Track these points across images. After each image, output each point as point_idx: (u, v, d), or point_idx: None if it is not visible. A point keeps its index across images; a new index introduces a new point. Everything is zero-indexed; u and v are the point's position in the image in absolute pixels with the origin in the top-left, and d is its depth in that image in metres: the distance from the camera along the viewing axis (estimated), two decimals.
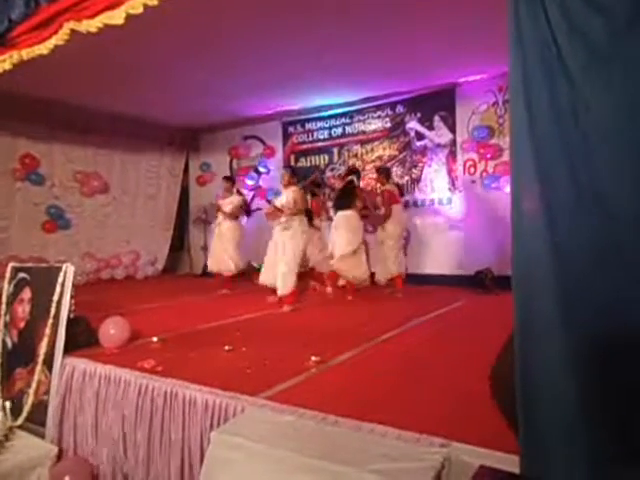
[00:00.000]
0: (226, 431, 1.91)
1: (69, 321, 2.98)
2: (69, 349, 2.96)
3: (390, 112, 7.01)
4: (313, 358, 2.76)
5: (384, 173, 6.12)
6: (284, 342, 3.37)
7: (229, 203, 6.35)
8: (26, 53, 2.80)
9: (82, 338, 3.11)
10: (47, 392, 2.90)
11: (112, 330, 3.17)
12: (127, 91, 6.29)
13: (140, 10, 2.30)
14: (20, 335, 3.21)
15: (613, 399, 1.22)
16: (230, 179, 6.86)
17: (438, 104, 6.56)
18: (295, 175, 5.38)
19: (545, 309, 1.29)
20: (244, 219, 7.01)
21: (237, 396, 2.19)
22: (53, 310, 2.98)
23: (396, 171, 6.93)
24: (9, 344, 3.26)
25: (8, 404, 3.03)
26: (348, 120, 7.41)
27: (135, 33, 3.42)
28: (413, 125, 6.84)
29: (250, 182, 8.33)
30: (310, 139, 7.83)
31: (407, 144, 6.91)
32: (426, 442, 1.69)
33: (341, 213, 5.50)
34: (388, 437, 1.76)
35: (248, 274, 7.76)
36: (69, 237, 7.45)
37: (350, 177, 5.75)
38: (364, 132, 7.28)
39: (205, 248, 8.38)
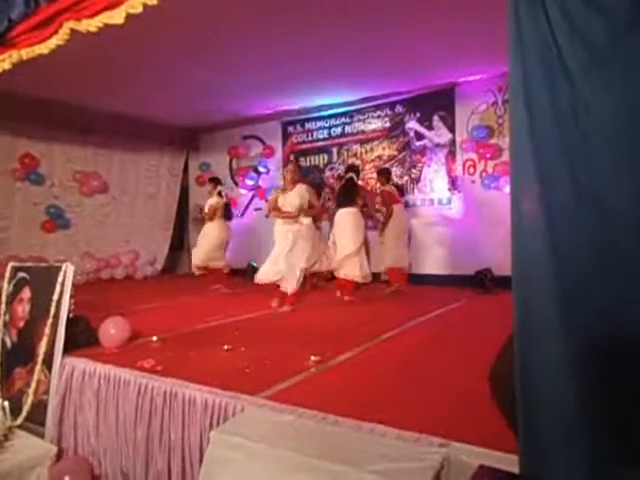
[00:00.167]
0: (225, 431, 1.91)
1: (69, 321, 2.98)
2: (69, 349, 2.96)
3: (389, 112, 7.02)
4: (313, 358, 2.76)
5: (384, 174, 6.14)
6: (284, 342, 3.37)
7: (208, 205, 6.46)
8: (26, 53, 2.79)
9: (82, 338, 3.11)
10: (46, 392, 2.90)
11: (112, 330, 3.17)
12: (127, 91, 6.29)
13: (140, 10, 2.29)
14: (19, 335, 3.21)
15: (613, 400, 1.22)
16: (213, 180, 6.81)
17: (437, 104, 6.57)
18: (300, 169, 5.09)
19: (545, 310, 1.29)
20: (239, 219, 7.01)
21: (237, 395, 2.19)
22: (53, 310, 2.97)
23: (395, 171, 6.93)
24: (8, 343, 3.26)
25: (7, 404, 3.03)
26: (348, 120, 7.41)
27: (135, 33, 3.42)
28: (412, 125, 6.84)
29: (250, 182, 8.33)
30: (310, 139, 7.83)
31: (406, 144, 6.91)
32: (425, 442, 1.69)
33: (344, 210, 5.47)
34: (387, 437, 1.76)
35: (248, 274, 7.79)
36: (69, 237, 7.46)
37: (349, 174, 5.75)
38: (364, 132, 7.28)
39: None
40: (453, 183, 6.54)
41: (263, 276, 4.86)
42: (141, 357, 2.82)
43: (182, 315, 4.56)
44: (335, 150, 7.58)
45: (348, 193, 5.54)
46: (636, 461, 1.21)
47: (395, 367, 2.72)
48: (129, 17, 2.35)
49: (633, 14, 1.18)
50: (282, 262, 4.72)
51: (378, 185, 6.40)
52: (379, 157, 7.16)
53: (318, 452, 1.65)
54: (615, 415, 1.21)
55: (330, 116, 7.54)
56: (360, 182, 6.02)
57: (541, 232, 1.30)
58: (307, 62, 5.37)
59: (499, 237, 5.48)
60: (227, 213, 6.61)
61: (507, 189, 5.67)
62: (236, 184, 8.60)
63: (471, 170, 6.41)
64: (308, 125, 7.82)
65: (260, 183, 8.32)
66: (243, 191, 8.49)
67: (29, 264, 3.86)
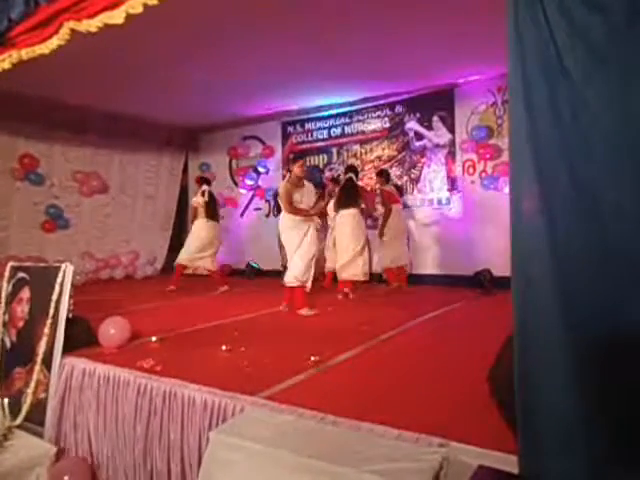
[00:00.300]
0: (225, 431, 1.91)
1: (68, 321, 2.98)
2: (68, 349, 2.96)
3: (389, 112, 7.02)
4: (312, 358, 2.76)
5: (384, 175, 6.14)
6: (283, 342, 3.37)
7: (190, 204, 6.53)
8: (25, 53, 2.79)
9: (81, 338, 3.10)
10: (46, 392, 2.89)
11: (112, 330, 3.16)
12: (127, 91, 6.29)
13: (140, 10, 2.30)
14: (19, 335, 3.21)
15: (613, 400, 1.22)
16: (200, 180, 6.76)
17: (437, 104, 6.57)
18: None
19: (544, 310, 1.29)
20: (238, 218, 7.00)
21: (236, 396, 2.19)
22: (52, 310, 2.97)
23: (395, 171, 6.93)
24: (8, 344, 3.25)
25: (7, 403, 3.03)
26: (347, 120, 7.41)
27: (135, 33, 3.42)
28: (412, 125, 6.84)
29: (249, 182, 8.33)
30: (309, 139, 7.83)
31: (406, 144, 6.91)
32: (425, 442, 1.69)
33: (345, 212, 5.47)
34: (387, 437, 1.76)
35: (248, 274, 7.79)
36: (68, 237, 7.44)
37: (349, 175, 5.75)
38: (363, 132, 7.28)
39: None
40: (452, 183, 6.54)
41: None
42: (140, 357, 2.82)
43: (182, 315, 4.56)
44: (335, 150, 7.58)
45: (348, 194, 5.54)
46: (636, 461, 1.21)
47: (395, 367, 2.72)
48: (129, 17, 2.36)
49: (632, 12, 1.18)
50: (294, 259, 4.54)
51: (378, 185, 6.40)
52: (379, 157, 7.16)
53: (317, 452, 1.65)
54: (615, 415, 1.21)
55: (330, 116, 7.54)
56: (360, 183, 6.05)
57: (541, 232, 1.30)
58: (307, 63, 5.37)
59: (498, 237, 5.49)
60: (210, 212, 6.38)
61: (506, 189, 5.67)
62: (236, 184, 8.60)
63: (470, 170, 6.41)
64: (308, 125, 7.82)
65: (260, 183, 8.32)
66: (243, 191, 8.49)
67: (28, 264, 3.86)
